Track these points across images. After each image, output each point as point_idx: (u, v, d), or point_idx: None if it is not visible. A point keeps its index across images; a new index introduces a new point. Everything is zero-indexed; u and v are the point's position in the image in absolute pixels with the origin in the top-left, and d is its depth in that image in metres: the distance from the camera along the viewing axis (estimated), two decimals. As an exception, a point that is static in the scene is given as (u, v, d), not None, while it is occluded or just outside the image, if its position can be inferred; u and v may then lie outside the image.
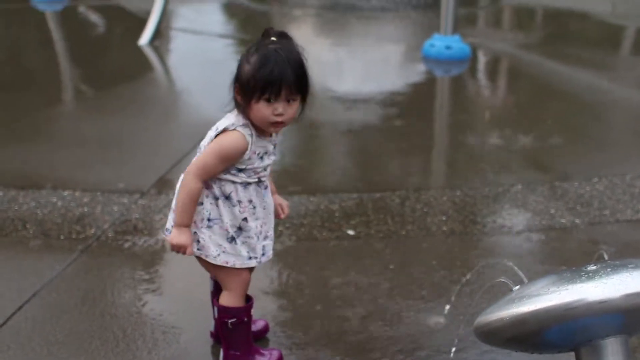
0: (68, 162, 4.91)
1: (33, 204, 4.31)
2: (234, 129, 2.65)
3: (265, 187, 2.81)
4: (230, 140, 2.66)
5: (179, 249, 2.73)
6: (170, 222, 2.82)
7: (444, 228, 4.13)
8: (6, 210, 4.24)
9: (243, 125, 2.67)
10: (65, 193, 4.43)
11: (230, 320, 2.87)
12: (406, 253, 3.87)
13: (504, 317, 2.44)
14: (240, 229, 2.78)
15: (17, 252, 3.85)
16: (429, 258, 3.82)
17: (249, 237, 2.80)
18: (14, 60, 7.21)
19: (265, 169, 2.77)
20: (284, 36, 2.66)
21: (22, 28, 8.31)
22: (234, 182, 2.73)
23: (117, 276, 3.66)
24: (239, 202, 2.76)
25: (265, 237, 2.86)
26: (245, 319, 2.89)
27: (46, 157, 4.97)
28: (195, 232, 2.77)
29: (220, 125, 2.68)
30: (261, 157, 2.74)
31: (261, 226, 2.82)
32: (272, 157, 2.79)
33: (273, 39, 2.62)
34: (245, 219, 2.77)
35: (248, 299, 2.93)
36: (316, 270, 3.70)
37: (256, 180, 2.77)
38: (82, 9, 9.22)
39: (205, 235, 2.77)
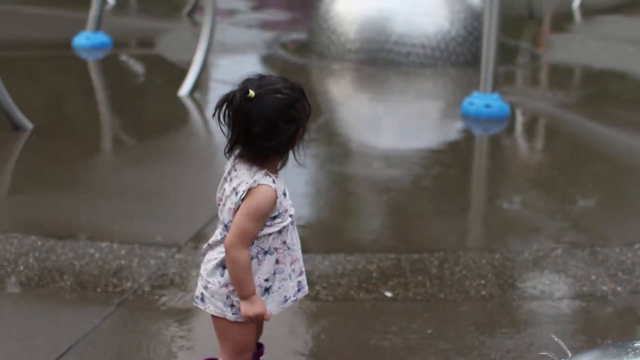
0: (106, 212, 4.92)
1: (71, 255, 4.31)
2: (259, 185, 2.65)
3: (292, 222, 2.80)
4: (263, 197, 2.66)
5: (257, 318, 2.75)
6: (200, 290, 2.81)
7: (483, 292, 4.08)
8: (44, 260, 4.25)
9: (264, 176, 2.67)
10: (103, 244, 4.43)
11: None
12: (445, 317, 3.82)
13: (549, 394, 2.39)
14: (274, 273, 2.77)
15: (54, 304, 3.85)
16: (468, 323, 3.77)
17: (283, 279, 2.80)
18: (55, 107, 7.28)
19: (291, 204, 2.77)
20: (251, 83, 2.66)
21: (64, 75, 8.41)
22: (270, 234, 2.72)
23: (152, 332, 3.64)
24: (276, 249, 2.76)
25: (300, 273, 2.86)
26: None
27: (84, 207, 4.98)
28: (228, 296, 2.76)
29: (240, 188, 2.67)
30: (284, 194, 2.74)
31: (292, 264, 2.81)
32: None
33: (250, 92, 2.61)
34: (277, 261, 2.77)
35: None
36: (353, 332, 3.66)
37: (290, 220, 2.76)
38: (123, 57, 9.33)
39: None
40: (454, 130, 6.99)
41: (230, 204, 2.71)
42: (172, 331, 3.65)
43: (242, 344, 2.84)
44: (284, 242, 2.77)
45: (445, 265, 4.33)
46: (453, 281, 4.17)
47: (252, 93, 2.60)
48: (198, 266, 4.16)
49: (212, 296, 2.78)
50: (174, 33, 10.12)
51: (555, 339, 2.87)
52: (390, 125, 7.17)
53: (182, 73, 7.61)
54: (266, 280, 2.76)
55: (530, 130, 7.26)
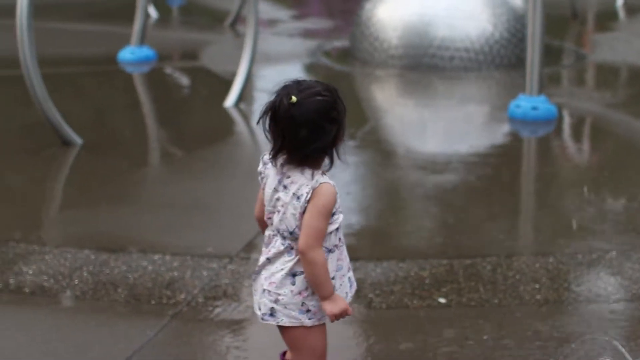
0: (157, 225, 4.95)
1: (124, 268, 4.34)
2: (321, 184, 2.70)
3: None
4: (328, 195, 2.71)
5: (342, 315, 2.77)
6: (268, 305, 2.80)
7: (538, 296, 4.04)
8: (98, 273, 4.29)
9: (322, 175, 2.73)
10: (155, 257, 4.46)
11: None
12: (500, 323, 3.79)
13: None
14: (336, 270, 2.82)
15: (108, 317, 3.88)
16: (524, 328, 3.73)
17: (342, 275, 2.84)
18: (103, 122, 7.35)
19: None
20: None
21: (110, 90, 8.49)
22: (331, 232, 2.77)
23: (207, 343, 3.65)
24: (335, 246, 2.81)
25: (349, 269, 2.90)
26: None
27: (135, 220, 5.02)
28: (303, 303, 2.77)
29: (303, 190, 2.70)
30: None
31: (344, 259, 2.86)
32: None
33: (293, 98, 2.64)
34: (338, 259, 2.82)
35: None
36: (408, 339, 3.64)
37: (342, 217, 2.82)
38: (168, 70, 9.41)
39: (314, 301, 2.78)
40: (501, 133, 6.95)
41: (292, 209, 2.72)
42: (226, 342, 3.66)
43: (320, 349, 2.86)
44: (340, 239, 2.81)
45: (499, 270, 4.29)
46: (507, 286, 4.13)
47: (294, 98, 2.64)
48: (251, 277, 4.19)
49: (286, 307, 2.78)
50: (217, 45, 10.19)
51: (615, 343, 2.83)
52: (436, 130, 7.14)
53: (227, 84, 7.66)
54: (332, 278, 2.78)
55: (578, 131, 7.19)
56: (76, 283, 4.20)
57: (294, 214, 2.72)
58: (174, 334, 3.73)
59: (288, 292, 2.77)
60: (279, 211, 2.76)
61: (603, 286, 4.14)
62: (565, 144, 6.78)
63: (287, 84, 2.71)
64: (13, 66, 6.80)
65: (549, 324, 3.78)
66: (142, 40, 9.25)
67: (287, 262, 2.77)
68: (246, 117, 7.45)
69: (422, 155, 6.26)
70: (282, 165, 2.75)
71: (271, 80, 8.65)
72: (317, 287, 2.74)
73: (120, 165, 6.02)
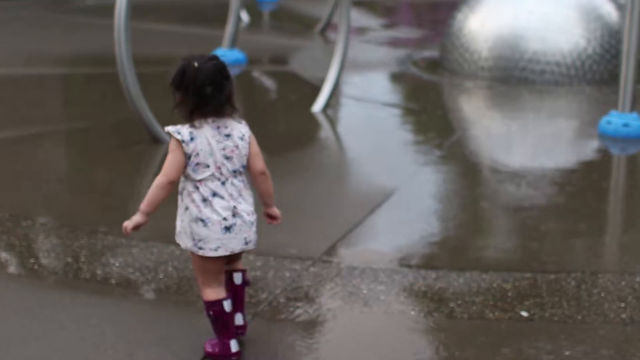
0: (241, 224, 4.99)
1: (208, 265, 4.39)
2: (245, 124, 3.46)
3: None
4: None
5: None
6: (251, 238, 3.55)
7: (623, 315, 3.97)
8: (183, 269, 4.36)
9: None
10: (239, 256, 4.50)
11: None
12: (582, 340, 3.73)
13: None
14: None
15: (192, 312, 3.94)
16: (607, 347, 3.67)
17: None
18: (192, 121, 7.46)
19: None
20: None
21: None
22: None
23: (287, 343, 3.68)
24: None
25: None
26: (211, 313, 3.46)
27: (221, 219, 5.07)
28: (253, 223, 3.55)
29: (242, 130, 3.43)
30: None
31: None
32: None
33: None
34: None
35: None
36: (487, 351, 3.61)
37: None
38: (257, 74, 9.51)
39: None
40: (590, 149, 6.85)
41: (243, 149, 3.41)
42: (306, 343, 3.69)
43: None
44: None
45: (583, 287, 4.23)
46: (591, 303, 4.07)
47: (196, 64, 3.30)
48: (333, 280, 4.21)
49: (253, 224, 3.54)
50: (307, 50, 10.26)
51: None
52: (523, 144, 7.07)
53: (315, 89, 7.71)
54: None
55: (670, 151, 7.03)
56: (161, 277, 4.28)
57: (242, 151, 3.40)
58: (255, 332, 3.76)
59: (253, 213, 3.53)
60: (229, 157, 3.38)
61: (691, 309, 4.04)
62: (656, 163, 6.65)
63: (188, 57, 3.37)
64: (109, 64, 6.96)
65: (633, 344, 3.71)
66: (233, 44, 9.38)
67: (247, 189, 3.48)
68: (333, 123, 7.48)
69: (508, 168, 6.20)
70: (213, 121, 3.36)
71: (359, 87, 8.70)
72: (273, 195, 3.60)
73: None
